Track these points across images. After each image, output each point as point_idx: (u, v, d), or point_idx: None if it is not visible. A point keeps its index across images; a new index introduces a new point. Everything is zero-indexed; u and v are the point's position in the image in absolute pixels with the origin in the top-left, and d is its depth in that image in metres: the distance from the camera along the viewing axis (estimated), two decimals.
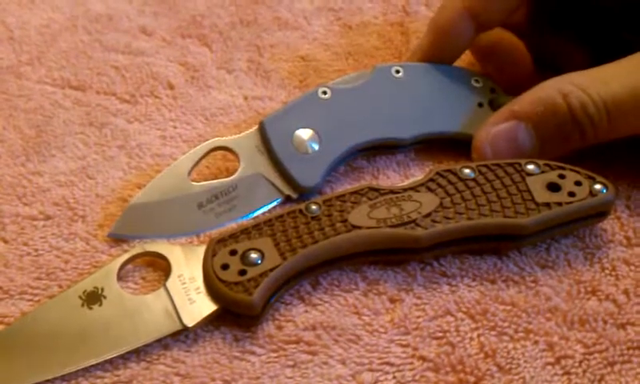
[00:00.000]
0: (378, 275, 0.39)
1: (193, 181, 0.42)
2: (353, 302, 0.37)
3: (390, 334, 0.36)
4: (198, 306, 0.36)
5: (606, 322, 0.37)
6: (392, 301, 0.38)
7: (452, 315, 0.37)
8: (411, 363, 0.35)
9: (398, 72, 0.46)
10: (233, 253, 0.37)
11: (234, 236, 0.37)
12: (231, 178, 0.42)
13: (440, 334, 0.36)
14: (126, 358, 0.35)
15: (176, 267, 0.37)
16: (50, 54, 0.52)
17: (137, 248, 0.38)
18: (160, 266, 0.38)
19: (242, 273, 0.36)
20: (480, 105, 0.46)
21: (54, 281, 0.38)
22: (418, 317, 0.37)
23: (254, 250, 0.36)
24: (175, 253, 0.38)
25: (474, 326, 0.37)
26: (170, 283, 0.37)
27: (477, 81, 0.46)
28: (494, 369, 0.35)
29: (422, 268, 0.39)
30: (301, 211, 0.38)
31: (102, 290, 0.36)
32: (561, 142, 0.41)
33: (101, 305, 0.36)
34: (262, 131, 0.43)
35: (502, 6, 0.46)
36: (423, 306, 0.37)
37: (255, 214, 0.42)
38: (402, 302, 0.38)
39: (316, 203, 0.38)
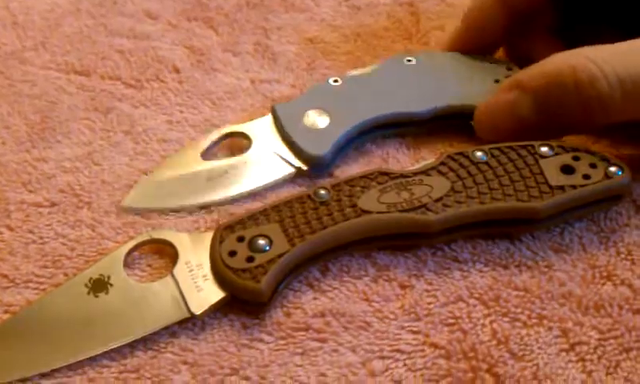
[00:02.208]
0: (387, 261, 0.38)
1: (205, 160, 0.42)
2: (362, 289, 0.37)
3: (401, 321, 0.36)
4: (206, 294, 0.35)
5: (621, 308, 0.36)
6: (402, 287, 0.37)
7: (464, 301, 0.36)
8: (422, 350, 0.35)
9: (410, 61, 0.46)
10: (240, 239, 0.36)
11: (241, 222, 0.37)
12: (242, 155, 0.42)
13: (452, 321, 0.36)
14: (132, 346, 0.34)
15: (183, 254, 0.37)
16: (54, 39, 0.51)
17: (144, 235, 0.38)
18: (167, 254, 0.38)
19: (250, 259, 0.35)
20: (497, 81, 0.45)
21: (60, 269, 0.37)
22: (429, 303, 0.36)
23: (261, 237, 0.36)
24: (182, 240, 0.37)
25: (486, 312, 0.36)
26: (177, 270, 0.36)
27: (492, 62, 0.46)
28: (507, 355, 0.34)
29: (432, 253, 0.38)
30: (309, 197, 0.37)
31: (109, 277, 0.36)
32: (565, 117, 0.39)
33: (107, 293, 0.35)
34: (274, 114, 0.44)
35: None
36: (434, 292, 0.37)
37: (265, 185, 0.42)
38: (413, 288, 0.37)
39: (324, 188, 0.38)
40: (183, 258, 0.36)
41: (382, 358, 0.34)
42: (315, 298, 0.36)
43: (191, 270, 0.36)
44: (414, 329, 0.35)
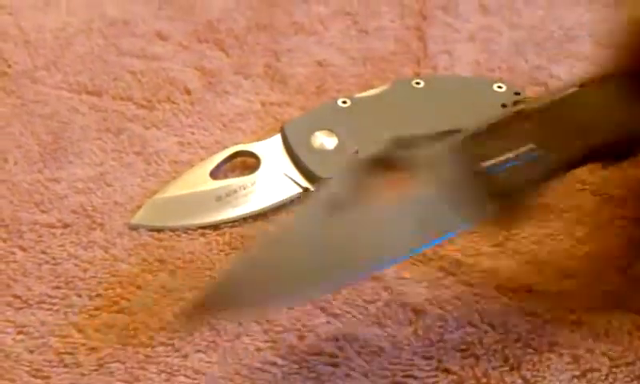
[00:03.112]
0: (400, 285, 0.38)
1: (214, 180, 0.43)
2: (375, 313, 0.37)
3: (414, 346, 0.36)
4: None
5: (631, 334, 0.36)
6: (415, 311, 0.37)
7: (475, 326, 0.37)
8: (435, 376, 0.35)
9: (418, 83, 0.46)
10: None
11: None
12: (251, 175, 0.43)
13: (464, 346, 0.36)
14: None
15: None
16: (65, 59, 0.51)
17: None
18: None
19: None
20: (504, 106, 0.45)
21: (73, 290, 0.38)
22: (442, 328, 0.37)
23: None
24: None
25: (498, 337, 0.36)
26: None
27: (499, 86, 0.46)
28: (520, 381, 0.34)
29: (443, 276, 0.39)
30: None
31: None
32: None
33: None
34: (283, 133, 0.44)
35: None
36: (446, 316, 0.37)
37: (272, 205, 0.42)
38: (426, 312, 0.37)
39: None
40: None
41: (395, 383, 0.34)
42: (328, 322, 0.37)
43: None
44: (427, 354, 0.35)
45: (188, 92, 0.49)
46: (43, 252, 0.39)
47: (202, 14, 0.56)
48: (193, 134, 0.46)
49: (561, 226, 0.41)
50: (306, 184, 0.42)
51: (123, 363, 0.35)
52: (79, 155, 0.45)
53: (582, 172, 0.41)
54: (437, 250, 0.40)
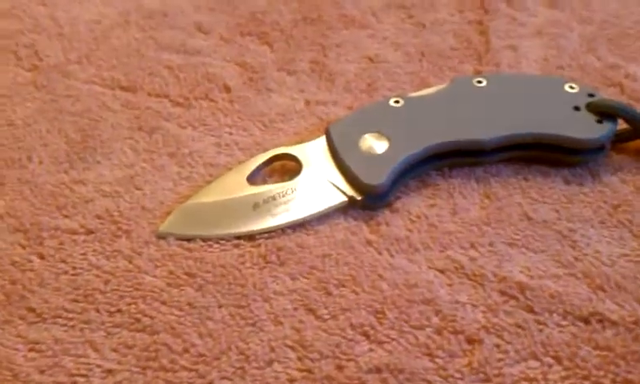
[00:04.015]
0: (454, 309, 0.34)
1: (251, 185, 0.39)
2: (424, 341, 0.33)
3: (467, 381, 0.31)
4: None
5: None
6: (470, 341, 0.33)
7: (538, 359, 0.32)
8: None
9: (479, 82, 0.42)
10: None
11: None
12: (291, 181, 0.39)
13: (525, 383, 0.31)
14: None
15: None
16: (100, 52, 0.48)
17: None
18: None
19: None
20: (577, 108, 0.40)
21: (92, 304, 0.34)
22: (500, 360, 0.32)
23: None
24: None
25: (564, 373, 0.32)
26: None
27: (571, 87, 0.41)
28: None
29: (504, 301, 0.34)
30: None
31: None
32: None
33: None
34: (327, 135, 0.40)
35: None
36: (506, 347, 0.32)
37: (314, 214, 0.38)
38: (482, 342, 0.33)
39: None
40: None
41: None
42: (371, 350, 0.32)
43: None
44: None
45: (228, 89, 0.45)
46: (63, 261, 0.36)
47: (245, 5, 0.52)
48: (231, 134, 0.43)
49: (639, 246, 0.36)
50: (351, 192, 0.38)
51: None
52: (108, 156, 0.41)
53: None
54: (497, 271, 0.35)
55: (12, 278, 0.35)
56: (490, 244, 0.37)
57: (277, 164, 0.40)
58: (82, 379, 0.32)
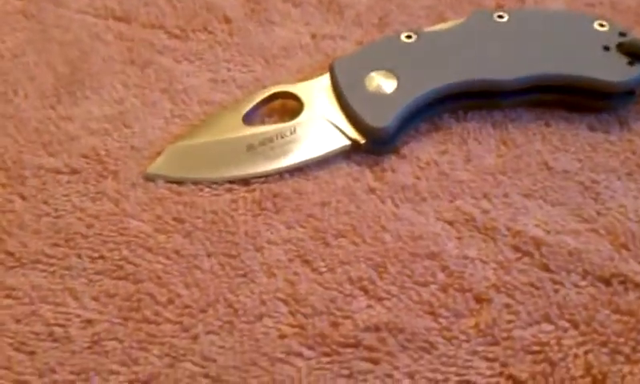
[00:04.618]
0: (462, 265, 0.31)
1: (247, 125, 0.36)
2: (428, 299, 0.30)
3: (474, 344, 0.29)
4: None
5: None
6: (478, 300, 0.30)
7: (553, 323, 0.29)
8: (498, 383, 0.28)
9: (501, 17, 0.38)
10: None
11: None
12: (290, 122, 0.36)
13: (537, 348, 0.29)
14: None
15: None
16: None
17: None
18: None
19: None
20: (606, 48, 0.37)
21: (73, 249, 0.32)
22: (510, 322, 0.29)
23: None
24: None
25: (580, 339, 0.29)
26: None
27: (601, 24, 0.38)
28: None
29: (517, 258, 0.31)
30: None
31: None
32: None
33: None
34: (332, 72, 0.37)
35: None
36: (517, 308, 0.30)
37: (313, 159, 0.35)
38: (491, 302, 0.30)
39: None
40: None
41: None
42: (369, 306, 0.30)
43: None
44: (490, 355, 0.29)
45: (227, 20, 0.42)
46: (45, 202, 0.34)
47: None
48: (229, 70, 0.40)
49: None
50: (355, 135, 0.35)
51: (121, 342, 0.29)
52: (97, 90, 0.39)
53: None
54: (511, 225, 0.32)
55: None
56: (505, 195, 0.34)
57: (276, 103, 0.37)
58: (59, 329, 0.30)
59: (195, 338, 0.29)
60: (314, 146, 0.35)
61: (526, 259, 0.31)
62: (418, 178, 0.35)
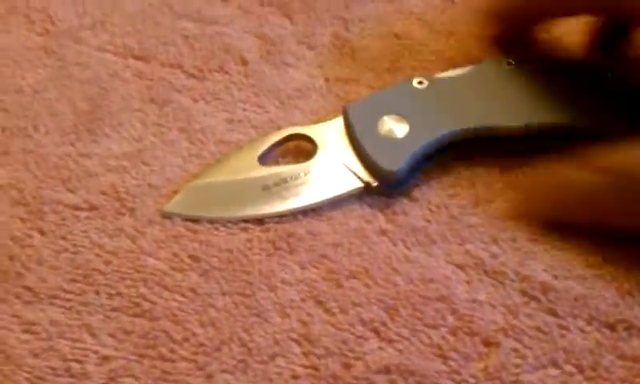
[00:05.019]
0: (471, 309, 0.32)
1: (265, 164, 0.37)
2: (438, 342, 0.31)
3: None
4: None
5: None
6: (486, 344, 0.31)
7: (559, 367, 0.30)
8: None
9: (510, 64, 0.39)
10: None
11: None
12: (304, 163, 0.37)
13: None
14: None
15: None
16: (114, 18, 0.46)
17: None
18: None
19: None
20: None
21: (91, 285, 0.33)
22: (518, 367, 0.30)
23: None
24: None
25: (585, 383, 0.30)
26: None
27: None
28: None
29: (525, 303, 0.32)
30: None
31: None
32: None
33: None
34: (345, 116, 0.38)
35: None
36: (524, 352, 0.30)
37: (326, 200, 0.36)
38: (499, 345, 0.31)
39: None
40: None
41: None
42: (380, 349, 0.31)
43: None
44: None
45: (244, 62, 0.43)
46: (63, 237, 0.35)
47: None
48: (244, 110, 0.41)
49: None
50: (367, 177, 0.36)
51: (137, 379, 0.30)
52: (116, 128, 0.40)
53: None
54: (519, 270, 0.33)
55: (10, 254, 0.34)
56: (513, 239, 0.34)
57: (290, 144, 0.38)
58: (76, 365, 0.30)
59: (210, 376, 0.30)
60: (327, 188, 0.36)
61: (534, 304, 0.32)
62: (428, 221, 0.35)
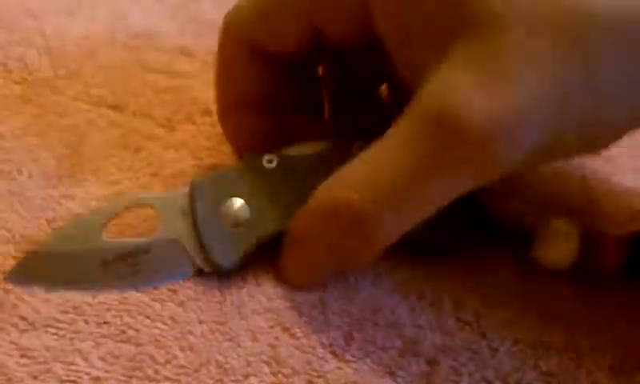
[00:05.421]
0: (414, 333, 0.37)
1: (108, 234, 0.39)
2: (388, 362, 0.36)
3: None
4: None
5: None
6: (429, 362, 0.36)
7: (489, 382, 0.36)
8: None
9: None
10: None
11: None
12: (146, 239, 0.38)
13: None
14: None
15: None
16: (87, 69, 0.50)
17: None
18: None
19: None
20: None
21: (81, 315, 0.37)
22: (455, 382, 0.35)
23: None
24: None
25: None
26: None
27: None
28: None
29: (460, 328, 0.38)
30: None
31: None
32: (357, 250, 0.36)
33: None
34: (191, 192, 0.38)
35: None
36: (461, 369, 0.36)
37: (158, 284, 0.38)
38: (439, 364, 0.36)
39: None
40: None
41: None
42: (339, 368, 0.36)
43: None
44: None
45: (209, 113, 0.48)
46: None
47: None
48: (210, 157, 0.45)
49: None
50: (201, 264, 0.38)
51: None
52: (95, 172, 0.44)
53: None
54: (456, 298, 0.39)
55: (5, 288, 0.37)
56: (450, 273, 0.40)
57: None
58: None
59: None
60: (160, 270, 0.38)
61: (467, 328, 0.38)
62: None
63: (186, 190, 0.39)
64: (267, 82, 0.40)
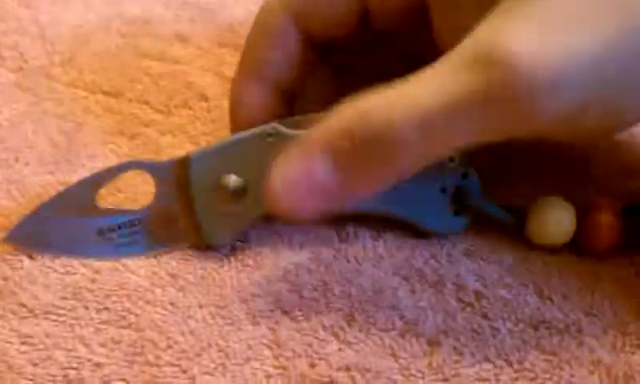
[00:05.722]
0: (416, 315, 0.37)
1: (103, 200, 0.39)
2: (389, 343, 0.36)
3: (427, 380, 0.35)
4: None
5: None
6: (430, 343, 0.36)
7: (491, 362, 0.36)
8: None
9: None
10: None
11: None
12: (140, 209, 0.38)
13: (479, 383, 0.35)
14: None
15: None
16: (82, 56, 0.50)
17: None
18: None
19: None
20: (443, 190, 0.39)
21: (80, 301, 0.37)
22: (457, 362, 0.35)
23: None
24: None
25: (514, 375, 0.35)
26: None
27: (451, 159, 0.39)
28: None
29: (462, 308, 0.38)
30: None
31: None
32: (371, 171, 0.34)
33: None
34: (188, 165, 0.37)
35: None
36: (462, 350, 0.36)
37: (155, 250, 0.39)
38: (441, 345, 0.36)
39: None
40: None
41: None
42: (340, 350, 0.35)
43: None
44: None
45: (205, 98, 0.48)
46: (51, 260, 0.38)
47: (223, 17, 0.54)
48: (208, 142, 0.45)
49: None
50: (193, 239, 0.39)
51: (128, 382, 0.34)
52: (92, 158, 0.43)
53: None
54: (455, 280, 0.39)
55: (4, 275, 0.37)
56: (449, 254, 0.40)
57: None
58: (72, 372, 0.34)
59: (193, 378, 0.34)
60: (155, 241, 0.39)
61: (469, 309, 0.37)
62: (376, 240, 0.40)
63: (182, 158, 0.38)
64: (294, 65, 0.40)
